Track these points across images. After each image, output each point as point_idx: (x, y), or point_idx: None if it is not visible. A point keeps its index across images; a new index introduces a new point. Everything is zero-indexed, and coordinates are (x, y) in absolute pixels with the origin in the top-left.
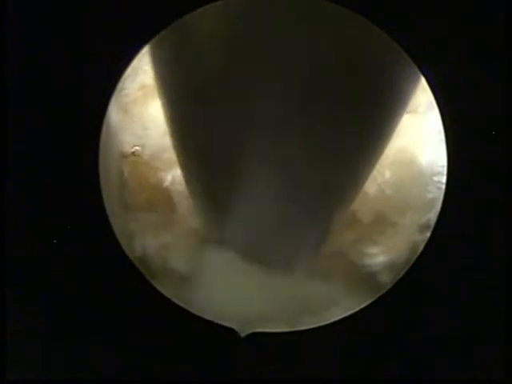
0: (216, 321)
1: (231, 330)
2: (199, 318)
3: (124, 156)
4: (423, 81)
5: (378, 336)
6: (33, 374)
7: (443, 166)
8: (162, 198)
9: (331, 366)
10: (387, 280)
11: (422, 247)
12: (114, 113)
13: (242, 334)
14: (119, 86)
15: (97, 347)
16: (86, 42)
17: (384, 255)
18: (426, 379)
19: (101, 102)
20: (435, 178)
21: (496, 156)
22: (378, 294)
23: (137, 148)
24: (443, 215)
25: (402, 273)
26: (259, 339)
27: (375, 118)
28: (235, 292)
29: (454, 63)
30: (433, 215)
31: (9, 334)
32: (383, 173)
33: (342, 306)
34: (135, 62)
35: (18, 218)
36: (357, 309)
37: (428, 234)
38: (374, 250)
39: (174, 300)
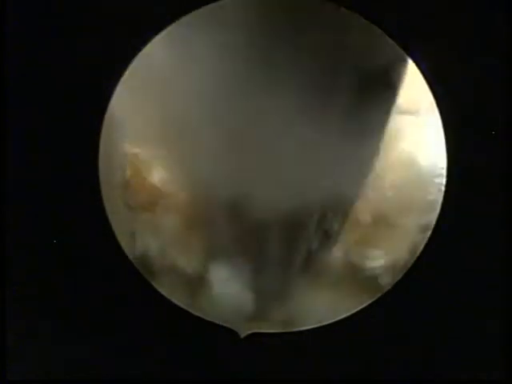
0: (216, 321)
1: (231, 331)
2: (199, 318)
3: (126, 155)
4: (425, 83)
5: (378, 336)
6: (33, 374)
7: (444, 168)
8: (163, 198)
9: (331, 365)
10: (388, 282)
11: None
12: (117, 112)
13: (242, 335)
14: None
15: (97, 347)
16: (86, 42)
17: (385, 257)
18: (426, 379)
19: (101, 101)
20: (436, 180)
21: (496, 156)
22: (379, 296)
23: (137, 150)
24: (443, 215)
25: (403, 274)
26: (259, 339)
27: (374, 118)
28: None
29: (453, 63)
30: (433, 217)
31: (9, 334)
32: (384, 174)
33: (343, 308)
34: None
35: (17, 218)
36: (357, 309)
37: (429, 236)
38: (374, 251)
39: (174, 300)
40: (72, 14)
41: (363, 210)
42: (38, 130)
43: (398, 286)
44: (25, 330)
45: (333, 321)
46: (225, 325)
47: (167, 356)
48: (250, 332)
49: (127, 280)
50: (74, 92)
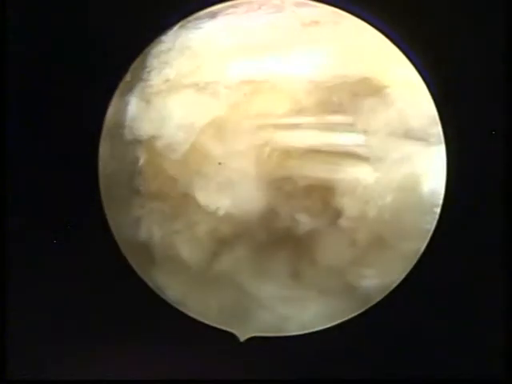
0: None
1: (231, 334)
2: (199, 322)
3: (139, 142)
4: (436, 114)
5: (379, 336)
6: (33, 374)
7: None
8: (173, 189)
9: (332, 365)
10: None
11: None
12: (135, 101)
13: (242, 339)
14: (144, 77)
15: (97, 347)
16: (87, 42)
17: (379, 278)
18: (426, 379)
19: (102, 101)
20: (435, 210)
21: (496, 157)
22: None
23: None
24: (443, 218)
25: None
26: (259, 341)
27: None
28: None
29: (454, 65)
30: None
31: (9, 333)
32: (385, 197)
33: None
34: (163, 57)
35: (18, 217)
36: (356, 312)
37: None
38: (369, 272)
39: (173, 302)
40: (72, 14)
41: (361, 230)
42: (37, 130)
43: (398, 287)
44: (25, 330)
45: (332, 324)
46: (225, 329)
47: (167, 356)
48: (249, 336)
49: (127, 280)
50: (74, 90)
